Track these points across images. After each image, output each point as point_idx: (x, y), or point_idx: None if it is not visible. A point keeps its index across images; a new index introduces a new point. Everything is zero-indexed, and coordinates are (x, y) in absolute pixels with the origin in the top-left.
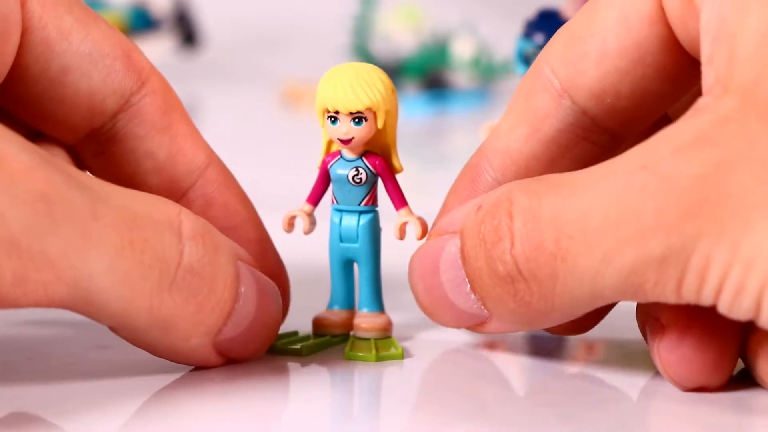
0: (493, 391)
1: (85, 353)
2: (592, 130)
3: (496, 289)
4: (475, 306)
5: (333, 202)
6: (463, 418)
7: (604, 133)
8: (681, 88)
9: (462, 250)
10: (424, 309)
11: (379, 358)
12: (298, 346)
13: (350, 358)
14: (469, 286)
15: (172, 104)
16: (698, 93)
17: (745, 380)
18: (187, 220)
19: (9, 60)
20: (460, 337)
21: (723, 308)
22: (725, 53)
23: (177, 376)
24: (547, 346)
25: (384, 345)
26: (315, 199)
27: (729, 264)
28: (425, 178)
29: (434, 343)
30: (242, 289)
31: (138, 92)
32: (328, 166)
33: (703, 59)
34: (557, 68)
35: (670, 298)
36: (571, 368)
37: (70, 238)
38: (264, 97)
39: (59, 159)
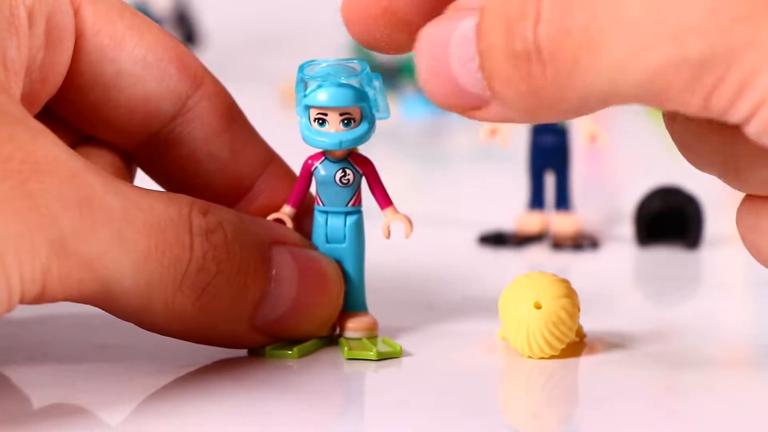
0: (491, 389)
1: (85, 353)
2: None
3: (507, 67)
4: (478, 85)
5: (318, 204)
6: (463, 416)
7: None
8: None
9: (478, 26)
10: (424, 82)
11: (380, 356)
12: (290, 350)
13: (351, 358)
14: (477, 62)
15: (228, 105)
16: None
17: None
18: (197, 217)
19: (64, 68)
20: (450, 336)
21: (752, 130)
22: None
23: (177, 376)
24: None
25: (378, 343)
26: (296, 201)
27: None
28: (425, 178)
29: (427, 343)
30: (273, 272)
31: (193, 95)
32: (312, 168)
33: None
34: None
35: (693, 107)
36: (573, 367)
37: (107, 241)
38: (264, 97)
39: (96, 164)
